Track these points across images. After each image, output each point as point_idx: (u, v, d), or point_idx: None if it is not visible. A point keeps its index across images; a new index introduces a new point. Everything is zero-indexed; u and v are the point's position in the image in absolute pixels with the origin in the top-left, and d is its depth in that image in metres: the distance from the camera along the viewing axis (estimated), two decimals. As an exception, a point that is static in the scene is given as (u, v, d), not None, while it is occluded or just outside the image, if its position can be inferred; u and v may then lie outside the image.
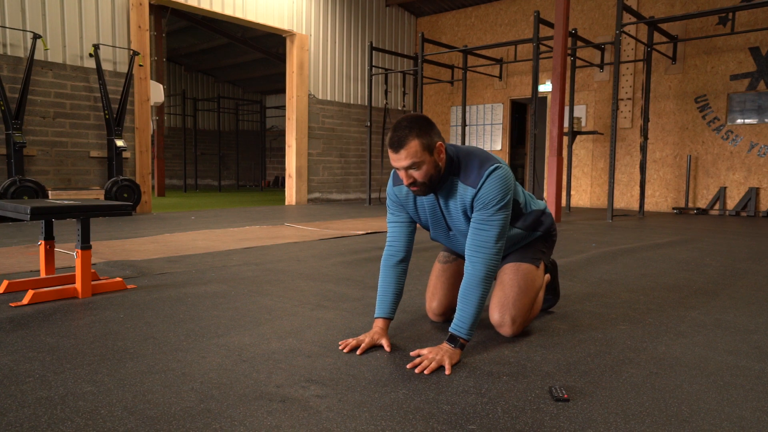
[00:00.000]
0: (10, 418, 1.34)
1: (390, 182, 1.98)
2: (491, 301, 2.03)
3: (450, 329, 1.78)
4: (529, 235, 2.09)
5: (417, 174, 1.75)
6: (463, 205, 1.84)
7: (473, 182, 1.80)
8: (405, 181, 1.77)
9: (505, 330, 1.99)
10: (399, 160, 1.73)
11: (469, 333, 1.76)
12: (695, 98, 8.27)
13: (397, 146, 1.72)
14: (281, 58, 13.23)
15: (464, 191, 1.82)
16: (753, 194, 7.76)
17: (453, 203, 1.87)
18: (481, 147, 10.47)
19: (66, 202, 2.61)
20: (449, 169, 1.83)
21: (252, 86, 17.53)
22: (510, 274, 2.02)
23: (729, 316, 2.36)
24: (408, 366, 1.70)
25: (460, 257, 2.20)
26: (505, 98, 10.24)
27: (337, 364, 1.72)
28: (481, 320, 2.19)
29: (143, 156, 7.04)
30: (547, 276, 2.32)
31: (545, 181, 9.39)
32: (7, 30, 5.89)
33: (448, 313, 2.19)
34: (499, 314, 1.98)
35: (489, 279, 1.78)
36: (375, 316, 1.93)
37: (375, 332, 1.89)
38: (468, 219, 1.87)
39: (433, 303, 2.19)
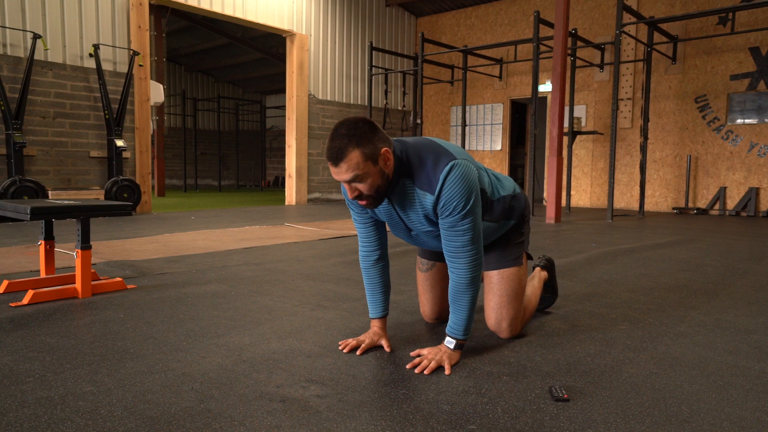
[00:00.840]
0: (10, 418, 1.34)
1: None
2: (485, 307, 2.01)
3: (446, 331, 1.77)
4: (501, 225, 1.94)
5: (362, 187, 1.59)
6: (425, 211, 1.69)
7: (430, 187, 1.63)
8: (350, 195, 1.61)
9: (503, 334, 1.98)
10: (339, 173, 1.56)
11: (465, 334, 1.75)
12: (695, 98, 8.27)
13: (335, 159, 1.53)
14: (281, 58, 13.23)
15: (422, 197, 1.66)
16: (753, 194, 7.76)
17: (412, 210, 1.72)
18: (481, 147, 10.52)
19: (66, 202, 2.61)
20: (399, 172, 1.65)
21: (252, 86, 17.53)
22: (497, 282, 1.96)
23: (729, 316, 2.36)
24: (408, 366, 1.70)
25: (438, 260, 2.11)
26: (505, 98, 10.24)
27: (337, 364, 1.72)
28: (480, 321, 2.19)
29: (143, 156, 7.04)
30: (545, 274, 2.32)
31: (545, 181, 9.39)
32: (7, 30, 5.89)
33: (442, 315, 2.17)
34: (494, 321, 1.97)
35: (475, 280, 1.71)
36: (370, 316, 1.93)
37: (374, 332, 1.89)
38: (431, 222, 1.73)
39: (425, 309, 2.18)
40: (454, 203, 1.62)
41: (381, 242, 1.88)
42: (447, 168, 1.61)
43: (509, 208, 1.93)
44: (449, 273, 1.73)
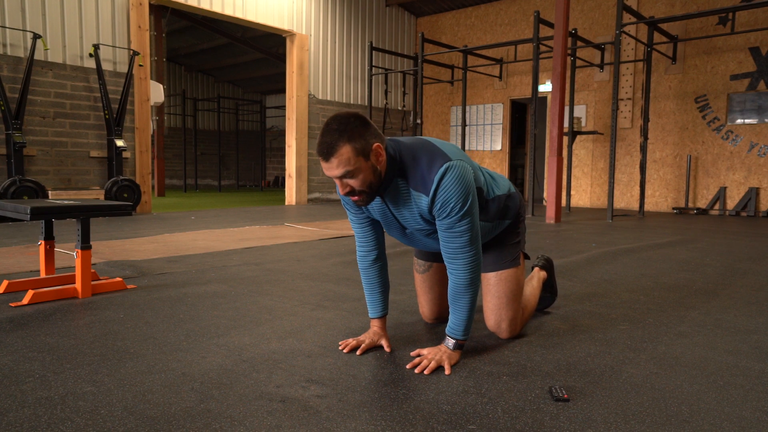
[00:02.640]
0: (10, 418, 1.34)
1: None
2: (484, 308, 2.00)
3: (446, 331, 1.77)
4: (496, 225, 1.93)
5: (353, 182, 1.57)
6: (420, 212, 1.68)
7: (424, 188, 1.61)
8: (341, 191, 1.60)
9: (503, 335, 1.98)
10: (330, 169, 1.54)
11: (465, 334, 1.75)
12: (695, 98, 8.27)
13: (326, 154, 1.52)
14: (281, 58, 13.23)
15: (417, 198, 1.65)
16: (753, 194, 7.76)
17: (407, 210, 1.70)
18: (481, 147, 10.52)
19: (66, 202, 2.61)
20: (392, 171, 1.63)
21: (252, 86, 17.53)
22: (495, 284, 1.95)
23: (729, 316, 2.36)
24: (408, 366, 1.70)
25: (435, 261, 2.10)
26: (505, 98, 10.24)
27: (337, 364, 1.72)
28: (480, 321, 2.19)
29: (143, 156, 7.04)
30: (543, 274, 2.32)
31: (545, 181, 9.39)
32: (7, 30, 5.89)
33: (442, 315, 2.17)
34: (494, 321, 1.97)
35: (475, 281, 1.70)
36: (370, 316, 1.93)
37: (374, 332, 1.89)
38: (426, 221, 1.72)
39: (424, 309, 2.18)
40: (451, 205, 1.60)
41: (378, 242, 1.87)
42: (442, 170, 1.59)
43: (504, 207, 1.91)
44: (448, 274, 1.72)
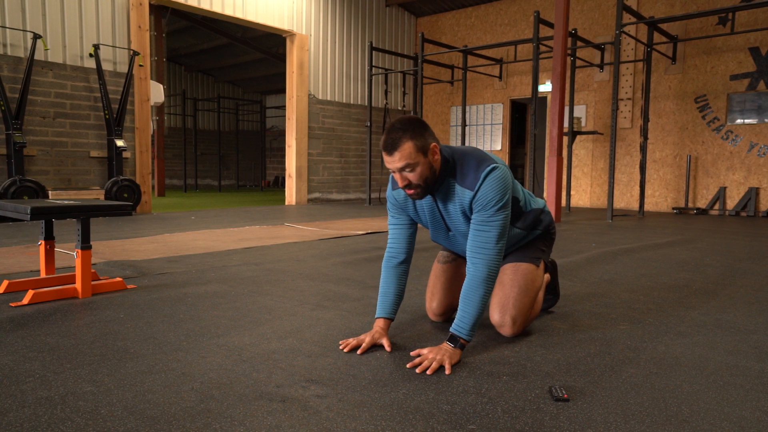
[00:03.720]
0: (10, 418, 1.34)
1: (390, 185, 1.98)
2: (491, 301, 2.02)
3: (451, 329, 1.78)
4: (528, 234, 2.09)
5: (411, 176, 1.74)
6: (462, 207, 1.83)
7: (470, 184, 1.79)
8: (400, 183, 1.77)
9: (506, 330, 1.99)
10: (393, 162, 1.73)
11: (470, 334, 1.76)
12: (695, 98, 8.27)
13: (390, 148, 1.71)
14: (281, 58, 13.23)
15: (462, 194, 1.81)
16: (753, 194, 7.76)
17: (452, 206, 1.86)
18: (481, 147, 10.51)
19: (66, 202, 2.61)
20: (445, 171, 1.82)
21: (252, 86, 17.53)
22: (510, 274, 2.02)
23: (729, 316, 2.36)
24: (408, 366, 1.70)
25: (459, 257, 2.21)
26: (505, 98, 10.24)
27: (337, 364, 1.72)
28: (481, 320, 2.19)
29: (143, 156, 7.04)
30: (547, 276, 2.33)
31: (545, 181, 9.39)
32: (7, 30, 5.89)
33: (448, 312, 2.19)
34: (499, 314, 1.98)
35: (491, 279, 1.78)
36: (376, 315, 1.94)
37: (375, 332, 1.89)
38: (468, 220, 1.86)
39: (432, 303, 2.19)
40: (489, 197, 1.76)
41: (408, 249, 1.98)
42: (488, 169, 1.78)
43: (538, 219, 2.09)
44: (467, 268, 1.81)
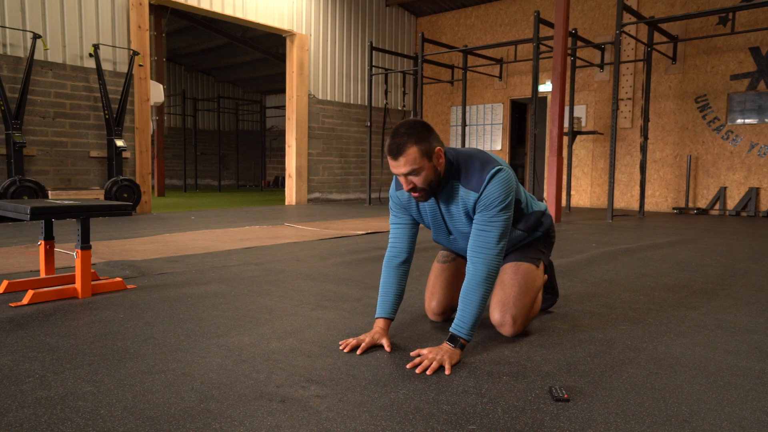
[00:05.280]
0: (10, 418, 1.33)
1: (393, 185, 1.98)
2: (492, 301, 2.03)
3: (451, 329, 1.78)
4: (529, 235, 2.10)
5: (416, 180, 1.76)
6: (466, 209, 1.85)
7: (475, 186, 1.80)
8: (405, 187, 1.78)
9: (506, 330, 1.99)
10: (398, 166, 1.73)
11: (469, 333, 1.76)
12: (695, 98, 8.27)
13: (395, 153, 1.72)
14: (281, 58, 13.23)
15: (466, 195, 1.83)
16: (753, 194, 7.75)
17: (455, 207, 1.88)
18: (481, 147, 10.51)
19: (66, 202, 2.61)
20: (449, 173, 1.83)
21: (252, 86, 17.53)
22: (510, 273, 2.02)
23: (729, 316, 2.36)
24: (408, 366, 1.70)
25: (459, 257, 2.21)
26: (505, 98, 10.24)
27: (337, 364, 1.72)
28: (481, 320, 2.18)
29: (143, 156, 7.04)
30: (545, 276, 2.33)
31: (545, 181, 9.39)
32: (7, 30, 5.89)
33: (447, 312, 2.19)
34: (499, 314, 1.98)
35: (491, 280, 1.78)
36: (376, 316, 1.94)
37: (375, 332, 1.89)
38: (471, 221, 1.87)
39: (432, 303, 2.19)
40: (493, 198, 1.78)
41: (409, 249, 1.99)
42: (493, 170, 1.80)
43: (539, 222, 2.10)
44: (467, 268, 1.82)
